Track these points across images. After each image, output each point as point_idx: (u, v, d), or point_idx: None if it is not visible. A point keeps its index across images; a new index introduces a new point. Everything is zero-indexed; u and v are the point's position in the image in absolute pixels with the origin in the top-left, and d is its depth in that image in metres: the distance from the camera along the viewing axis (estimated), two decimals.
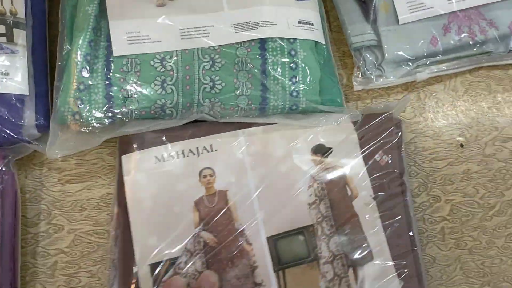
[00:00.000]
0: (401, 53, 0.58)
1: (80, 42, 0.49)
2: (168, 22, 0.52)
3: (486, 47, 0.61)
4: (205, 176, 0.49)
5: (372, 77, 0.58)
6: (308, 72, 0.53)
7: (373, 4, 0.58)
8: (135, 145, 0.48)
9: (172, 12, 0.52)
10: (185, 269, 0.45)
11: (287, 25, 0.54)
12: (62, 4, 0.52)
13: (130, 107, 0.49)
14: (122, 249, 0.45)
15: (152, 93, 0.49)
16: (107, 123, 0.49)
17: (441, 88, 0.60)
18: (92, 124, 0.48)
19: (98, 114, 0.48)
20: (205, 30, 0.52)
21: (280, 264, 0.47)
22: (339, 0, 0.61)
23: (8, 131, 0.46)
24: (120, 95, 0.49)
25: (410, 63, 0.59)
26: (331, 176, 0.50)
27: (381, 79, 0.59)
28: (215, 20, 0.53)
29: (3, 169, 0.46)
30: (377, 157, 0.51)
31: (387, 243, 0.47)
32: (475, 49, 0.60)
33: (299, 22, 0.55)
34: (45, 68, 0.52)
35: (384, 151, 0.51)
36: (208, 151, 0.49)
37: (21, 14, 0.50)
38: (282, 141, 0.51)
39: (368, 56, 0.59)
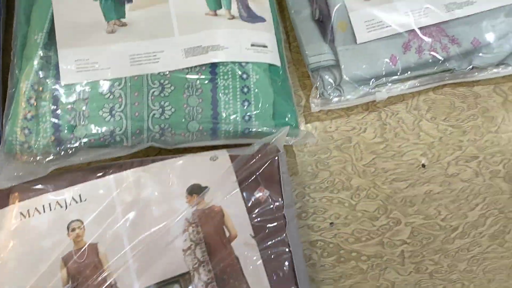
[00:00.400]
0: (359, 72, 0.58)
1: (28, 71, 0.50)
2: (117, 49, 0.52)
3: (448, 64, 0.60)
4: (73, 230, 0.46)
5: (330, 97, 0.58)
6: (261, 96, 0.53)
7: (331, 24, 0.58)
8: None
9: (122, 39, 0.53)
10: None
11: (239, 49, 0.54)
12: (14, 32, 0.53)
13: (78, 135, 0.49)
14: None
15: (100, 120, 0.50)
16: (55, 153, 0.49)
17: (403, 107, 0.60)
18: (39, 154, 0.49)
19: (46, 144, 0.49)
20: (155, 55, 0.52)
21: None
22: (297, 20, 0.61)
23: None
24: (68, 124, 0.49)
25: (369, 83, 0.59)
26: (207, 218, 0.47)
27: (340, 100, 0.58)
28: (166, 45, 0.53)
29: None
30: (256, 192, 0.49)
31: (270, 285, 0.45)
32: (437, 67, 0.60)
33: (252, 45, 0.55)
34: None
35: (263, 185, 0.49)
36: (77, 202, 0.47)
37: None
38: (154, 184, 0.48)
39: (326, 76, 0.59)
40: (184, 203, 0.48)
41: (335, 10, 0.59)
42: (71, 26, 0.52)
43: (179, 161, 0.50)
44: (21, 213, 0.46)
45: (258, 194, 0.48)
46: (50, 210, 0.47)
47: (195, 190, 0.49)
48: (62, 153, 0.50)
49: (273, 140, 0.51)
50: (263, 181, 0.50)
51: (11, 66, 0.52)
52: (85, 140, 0.50)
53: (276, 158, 0.51)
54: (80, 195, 0.47)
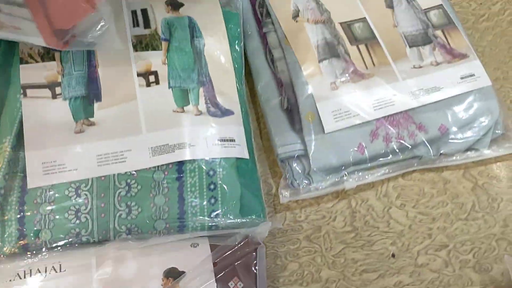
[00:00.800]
0: (328, 162, 0.60)
1: None
2: (85, 149, 0.54)
3: (416, 151, 0.62)
4: None
5: (299, 187, 0.59)
6: (228, 192, 0.54)
7: (298, 114, 0.60)
8: None
9: (90, 139, 0.54)
10: None
11: (206, 145, 0.56)
12: None
13: (44, 239, 0.50)
14: None
15: (66, 223, 0.51)
16: (20, 256, 0.50)
17: (373, 194, 0.61)
18: (6, 258, 0.50)
19: (12, 248, 0.50)
20: (122, 155, 0.54)
21: None
22: (267, 109, 0.63)
23: None
24: (34, 228, 0.50)
25: (338, 171, 0.60)
26: None
27: (309, 189, 0.59)
28: (133, 144, 0.55)
29: None
30: (231, 283, 0.50)
31: None
32: (405, 154, 0.61)
33: (220, 140, 0.57)
34: None
35: (239, 277, 0.51)
36: (56, 272, 0.49)
37: None
38: (134, 263, 0.50)
39: (295, 165, 0.60)
40: (159, 285, 0.50)
41: (302, 100, 0.61)
42: (40, 127, 0.54)
43: (161, 245, 0.52)
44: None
45: (232, 285, 0.49)
46: (30, 276, 0.49)
47: (172, 274, 0.50)
48: (29, 255, 0.50)
49: (253, 233, 0.53)
50: (240, 272, 0.52)
51: None
52: (50, 242, 0.51)
53: (255, 251, 0.52)
54: (60, 265, 0.49)
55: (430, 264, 0.58)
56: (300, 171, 0.60)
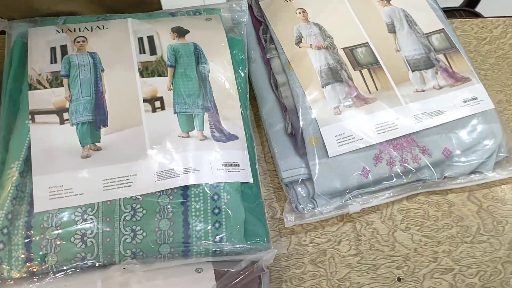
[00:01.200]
0: (332, 185, 0.61)
1: (3, 200, 0.53)
2: (91, 174, 0.55)
3: (420, 174, 0.63)
4: None
5: (304, 211, 0.60)
6: (232, 216, 0.56)
7: (302, 138, 0.61)
8: None
9: (96, 163, 0.56)
10: None
11: (211, 170, 0.57)
12: None
13: (50, 263, 0.52)
14: None
15: (72, 247, 0.52)
16: (27, 280, 0.51)
17: (377, 217, 0.62)
18: (12, 281, 0.51)
19: (18, 272, 0.51)
20: (128, 179, 0.55)
21: None
22: (271, 134, 0.65)
23: None
24: (40, 252, 0.52)
25: (343, 195, 0.61)
26: None
27: (314, 213, 0.60)
28: (139, 169, 0.56)
29: None
30: None
31: None
32: (409, 177, 0.62)
33: (224, 165, 0.58)
34: None
35: None
36: None
37: None
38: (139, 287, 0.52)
39: (300, 189, 0.61)
40: None
41: (306, 124, 0.62)
42: (47, 152, 0.56)
43: (166, 269, 0.54)
44: None
45: None
46: None
47: None
48: (36, 280, 0.51)
49: (259, 261, 0.54)
50: None
51: None
52: (56, 266, 0.52)
53: (259, 278, 0.53)
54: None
55: None
56: (304, 195, 0.61)
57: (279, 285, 0.58)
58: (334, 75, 0.66)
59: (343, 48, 0.69)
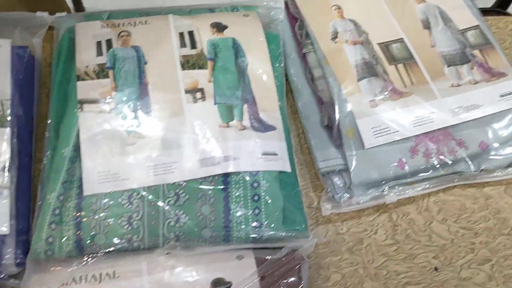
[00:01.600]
0: (368, 176, 0.63)
1: (55, 183, 0.57)
2: (136, 160, 0.59)
3: (457, 167, 0.65)
4: None
5: (341, 201, 0.63)
6: (271, 203, 0.59)
7: (339, 130, 0.64)
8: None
9: (141, 150, 0.60)
10: None
11: (250, 158, 0.60)
12: (45, 146, 0.61)
13: (98, 243, 0.55)
14: None
15: (119, 229, 0.56)
16: (77, 259, 0.55)
17: (413, 209, 0.64)
18: (62, 261, 0.55)
19: (68, 252, 0.55)
20: (171, 166, 0.59)
21: None
22: (307, 125, 0.68)
23: None
24: (89, 233, 0.55)
25: (379, 185, 0.64)
26: None
27: (351, 203, 0.63)
28: (181, 156, 0.60)
29: None
30: None
31: None
32: (445, 169, 0.65)
33: (263, 154, 0.61)
34: (28, 207, 0.59)
35: None
36: (110, 278, 0.54)
37: (6, 158, 0.59)
38: (182, 271, 0.54)
39: (337, 180, 0.64)
40: None
41: (342, 117, 0.65)
42: (95, 139, 0.60)
43: (207, 255, 0.57)
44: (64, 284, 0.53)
45: None
46: (86, 281, 0.53)
47: (219, 284, 0.55)
48: (84, 259, 0.55)
49: (300, 249, 0.56)
50: (285, 286, 0.55)
51: (40, 178, 0.59)
52: (104, 247, 0.55)
53: (299, 265, 0.56)
54: (114, 271, 0.54)
55: (474, 278, 0.60)
56: (341, 185, 0.64)
57: (316, 271, 0.60)
58: (369, 70, 0.69)
59: (379, 44, 0.71)
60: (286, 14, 0.76)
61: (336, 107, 0.66)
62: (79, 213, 0.56)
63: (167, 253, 0.57)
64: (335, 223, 0.63)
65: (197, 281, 0.55)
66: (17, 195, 0.59)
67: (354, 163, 0.64)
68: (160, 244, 0.57)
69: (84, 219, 0.56)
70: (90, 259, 0.56)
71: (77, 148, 0.59)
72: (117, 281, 0.54)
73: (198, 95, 0.64)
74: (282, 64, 0.70)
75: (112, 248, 0.56)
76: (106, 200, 0.57)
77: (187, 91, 0.64)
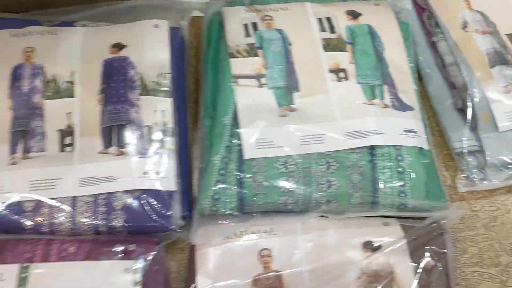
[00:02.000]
0: (503, 158, 0.68)
1: (218, 147, 0.64)
2: (289, 130, 0.66)
3: None
4: (263, 256, 0.59)
5: (475, 180, 0.68)
6: (414, 176, 0.64)
7: (473, 114, 0.69)
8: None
9: (293, 122, 0.66)
10: None
11: (393, 134, 0.66)
12: (202, 115, 0.68)
13: (259, 202, 0.62)
14: None
15: (276, 191, 0.62)
16: (238, 216, 0.62)
17: None
18: (225, 216, 0.62)
19: (231, 208, 0.62)
20: (320, 137, 0.65)
21: None
22: (439, 109, 0.73)
23: (160, 222, 0.61)
24: (250, 193, 0.62)
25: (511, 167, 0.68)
26: (379, 272, 0.58)
27: (485, 182, 0.68)
28: (329, 129, 0.66)
29: (156, 253, 0.60)
30: (423, 263, 0.58)
31: None
32: None
33: (404, 131, 0.67)
34: (188, 168, 0.67)
35: (431, 256, 0.59)
36: (268, 234, 0.61)
37: (170, 124, 0.67)
38: (334, 232, 0.60)
39: (471, 160, 0.69)
40: (358, 254, 0.59)
41: (477, 101, 0.70)
42: (250, 110, 0.67)
43: (356, 220, 0.63)
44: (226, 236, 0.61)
45: (424, 264, 0.58)
46: (246, 236, 0.61)
47: (369, 246, 0.60)
48: (244, 217, 0.62)
49: (444, 220, 0.62)
50: (431, 253, 0.60)
51: (201, 143, 0.66)
52: (262, 206, 0.62)
53: (443, 235, 0.61)
54: (271, 229, 0.61)
55: None
56: (475, 165, 0.69)
57: (454, 244, 0.65)
58: (500, 58, 0.73)
59: (507, 34, 0.76)
60: (412, 4, 0.81)
61: (471, 92, 0.70)
62: (241, 175, 0.63)
63: (319, 216, 0.62)
64: (468, 201, 0.68)
65: (349, 242, 0.61)
66: (179, 157, 0.66)
67: (488, 145, 0.68)
68: (312, 207, 0.63)
69: (246, 180, 0.63)
70: (250, 217, 0.62)
71: (234, 117, 0.66)
72: (274, 237, 0.61)
73: (341, 74, 0.70)
74: (412, 51, 0.76)
75: (269, 208, 0.62)
76: (264, 164, 0.63)
77: (330, 71, 0.70)
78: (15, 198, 0.62)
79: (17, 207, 0.61)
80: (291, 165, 0.63)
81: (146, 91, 0.68)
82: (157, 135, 0.65)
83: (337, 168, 0.64)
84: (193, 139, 0.70)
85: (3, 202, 0.61)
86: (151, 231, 0.62)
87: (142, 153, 0.64)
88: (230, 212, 0.62)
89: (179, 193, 0.64)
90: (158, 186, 0.63)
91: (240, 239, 0.61)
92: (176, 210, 0.62)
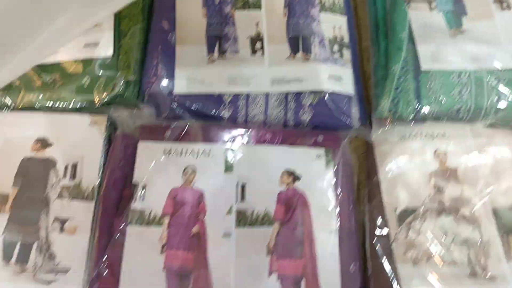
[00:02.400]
0: None
1: (397, 57, 0.72)
2: (459, 49, 0.73)
3: None
4: (438, 156, 0.69)
5: None
6: None
7: None
8: None
9: (463, 41, 0.73)
10: None
11: None
12: (375, 33, 0.76)
13: (433, 109, 0.70)
14: None
15: (452, 99, 0.70)
16: (413, 120, 0.70)
17: None
18: (401, 120, 0.70)
19: (408, 112, 0.70)
20: (489, 56, 0.72)
21: None
22: None
23: (344, 120, 0.69)
24: (426, 99, 0.70)
25: None
26: None
27: None
28: (495, 50, 0.73)
29: (343, 145, 0.68)
30: None
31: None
32: None
33: None
34: (359, 78, 0.75)
35: None
36: (442, 136, 0.71)
37: (346, 39, 0.75)
38: (503, 142, 0.71)
39: None
40: None
41: None
42: (424, 29, 0.74)
43: None
44: (402, 136, 0.71)
45: None
46: (421, 138, 0.71)
47: None
48: (416, 122, 0.70)
49: None
50: None
51: (374, 58, 0.74)
52: (436, 112, 0.70)
53: None
54: (444, 132, 0.71)
55: None
56: None
57: None
58: None
59: None
60: None
61: None
62: (417, 84, 0.70)
63: (486, 125, 0.70)
64: None
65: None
66: (353, 68, 0.74)
67: None
68: (480, 117, 0.70)
69: (422, 89, 0.70)
70: (423, 122, 0.70)
71: (409, 33, 0.74)
72: (447, 139, 0.69)
73: (504, 5, 0.77)
74: None
75: (441, 115, 0.70)
76: (439, 76, 0.71)
77: (494, 1, 0.77)
78: (215, 90, 0.70)
79: (217, 98, 0.70)
80: (465, 78, 0.70)
81: (324, 8, 0.76)
82: (336, 47, 0.74)
83: (506, 83, 0.70)
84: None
85: (205, 94, 0.69)
86: (334, 127, 0.70)
87: (325, 60, 0.72)
88: (406, 116, 0.69)
89: (355, 98, 0.72)
90: (340, 89, 0.71)
91: (416, 140, 0.68)
92: (355, 112, 0.71)
